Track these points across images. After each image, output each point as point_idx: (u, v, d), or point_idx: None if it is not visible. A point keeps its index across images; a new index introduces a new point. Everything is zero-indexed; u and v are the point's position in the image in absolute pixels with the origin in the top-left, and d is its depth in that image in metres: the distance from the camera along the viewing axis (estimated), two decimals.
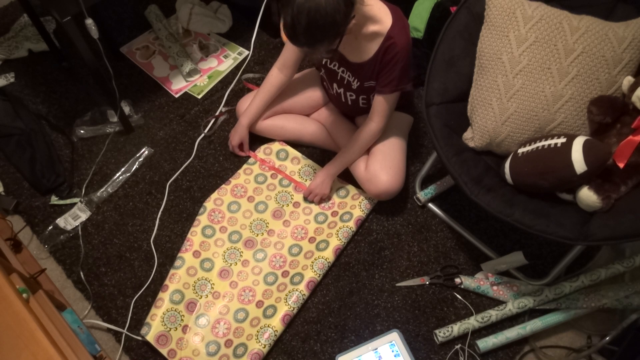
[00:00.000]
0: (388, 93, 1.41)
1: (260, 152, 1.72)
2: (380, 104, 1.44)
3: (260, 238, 1.56)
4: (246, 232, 1.57)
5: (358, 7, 1.24)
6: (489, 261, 1.50)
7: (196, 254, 1.51)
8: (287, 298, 1.42)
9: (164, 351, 1.35)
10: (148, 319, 1.39)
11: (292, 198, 1.63)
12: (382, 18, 1.32)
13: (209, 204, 1.60)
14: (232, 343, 1.38)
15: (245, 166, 1.70)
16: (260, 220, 1.59)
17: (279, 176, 1.68)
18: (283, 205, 1.62)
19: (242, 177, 1.67)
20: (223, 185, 1.65)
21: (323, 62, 1.52)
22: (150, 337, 1.36)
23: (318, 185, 1.58)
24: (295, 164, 1.70)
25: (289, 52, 1.56)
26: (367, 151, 1.58)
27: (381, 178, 1.50)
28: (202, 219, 1.57)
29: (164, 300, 1.41)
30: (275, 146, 1.73)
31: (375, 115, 1.47)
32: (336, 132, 1.67)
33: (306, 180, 1.66)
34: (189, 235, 1.54)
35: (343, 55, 1.44)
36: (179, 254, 1.50)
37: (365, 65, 1.40)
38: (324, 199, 1.61)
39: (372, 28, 1.32)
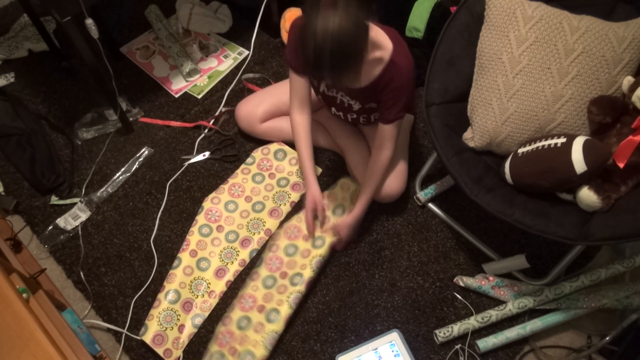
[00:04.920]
0: (395, 120, 1.35)
1: (259, 152, 1.72)
2: (390, 131, 1.37)
3: (257, 237, 1.56)
4: (243, 232, 1.57)
5: None
6: (491, 263, 1.50)
7: (193, 253, 1.51)
8: (288, 300, 1.42)
9: (159, 351, 1.35)
10: (146, 320, 1.39)
11: (289, 197, 1.63)
12: (383, 42, 1.26)
13: (206, 203, 1.60)
14: (236, 351, 1.37)
15: (243, 166, 1.70)
16: (257, 219, 1.59)
17: (277, 176, 1.68)
18: (280, 205, 1.62)
19: (240, 177, 1.67)
20: (221, 185, 1.65)
21: (321, 90, 1.47)
22: (146, 337, 1.36)
23: (349, 234, 1.50)
24: (294, 164, 1.70)
25: (299, 89, 1.44)
26: (369, 152, 1.58)
27: (384, 182, 1.50)
28: (200, 218, 1.57)
29: (161, 300, 1.41)
30: (274, 146, 1.73)
31: (387, 142, 1.39)
32: (337, 132, 1.67)
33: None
34: (187, 236, 1.54)
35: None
36: (177, 254, 1.51)
37: (366, 89, 1.34)
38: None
39: (375, 54, 1.26)
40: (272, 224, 1.59)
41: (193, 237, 1.53)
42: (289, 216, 1.60)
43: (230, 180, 1.66)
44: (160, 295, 1.42)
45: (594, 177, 1.18)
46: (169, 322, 1.39)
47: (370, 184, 1.46)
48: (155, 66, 1.96)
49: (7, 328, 0.92)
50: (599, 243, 1.17)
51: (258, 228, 1.58)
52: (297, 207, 1.63)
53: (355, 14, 1.08)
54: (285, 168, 1.69)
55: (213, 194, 1.63)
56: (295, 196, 1.64)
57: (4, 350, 0.89)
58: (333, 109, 1.53)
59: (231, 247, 1.54)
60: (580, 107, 1.25)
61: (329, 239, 1.51)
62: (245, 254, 1.53)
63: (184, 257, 1.49)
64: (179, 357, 1.37)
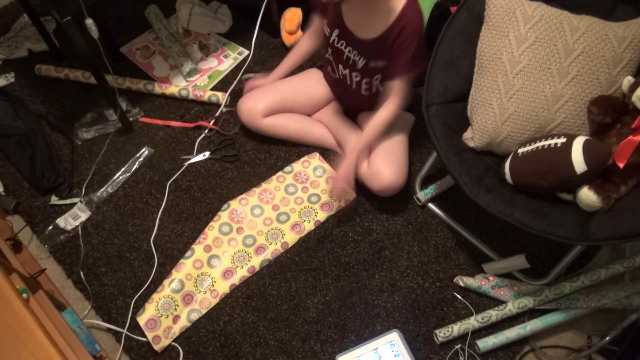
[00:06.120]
0: (404, 74, 1.41)
1: (299, 163, 1.70)
2: (396, 86, 1.44)
3: (273, 248, 1.54)
4: (261, 239, 1.55)
5: None
6: (491, 263, 1.50)
7: (207, 248, 1.51)
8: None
9: (149, 335, 1.36)
10: (146, 302, 1.41)
11: (315, 215, 1.61)
12: None
13: (233, 202, 1.60)
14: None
15: (280, 173, 1.68)
16: (278, 230, 1.58)
17: (310, 191, 1.65)
18: (305, 221, 1.59)
19: (273, 184, 1.66)
20: (253, 188, 1.64)
21: (331, 41, 1.50)
22: (140, 319, 1.37)
23: (346, 169, 1.50)
24: (330, 183, 1.66)
25: (317, 27, 1.60)
26: (369, 148, 1.58)
27: (384, 174, 1.50)
28: (223, 216, 1.57)
29: (165, 286, 1.43)
30: (315, 161, 1.70)
31: (392, 97, 1.47)
32: (338, 131, 1.67)
33: (335, 201, 1.62)
34: (205, 229, 1.55)
35: (351, 32, 1.43)
36: (192, 245, 1.52)
37: (374, 42, 1.40)
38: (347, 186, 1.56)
39: (386, 3, 1.33)
40: (291, 237, 1.56)
41: (212, 232, 1.54)
42: (309, 235, 1.58)
43: (263, 185, 1.65)
44: (166, 282, 1.44)
45: (594, 177, 1.18)
46: (166, 309, 1.40)
47: (369, 132, 1.51)
48: (155, 66, 1.96)
49: (7, 328, 0.92)
50: (599, 243, 1.17)
51: (276, 239, 1.56)
52: (322, 227, 1.59)
53: None
54: (320, 185, 1.66)
55: (243, 195, 1.62)
56: (322, 215, 1.60)
57: (4, 350, 0.89)
58: (340, 67, 1.55)
59: (245, 252, 1.53)
60: (580, 107, 1.25)
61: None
62: (256, 262, 1.52)
63: (198, 250, 1.50)
64: (171, 348, 1.37)
